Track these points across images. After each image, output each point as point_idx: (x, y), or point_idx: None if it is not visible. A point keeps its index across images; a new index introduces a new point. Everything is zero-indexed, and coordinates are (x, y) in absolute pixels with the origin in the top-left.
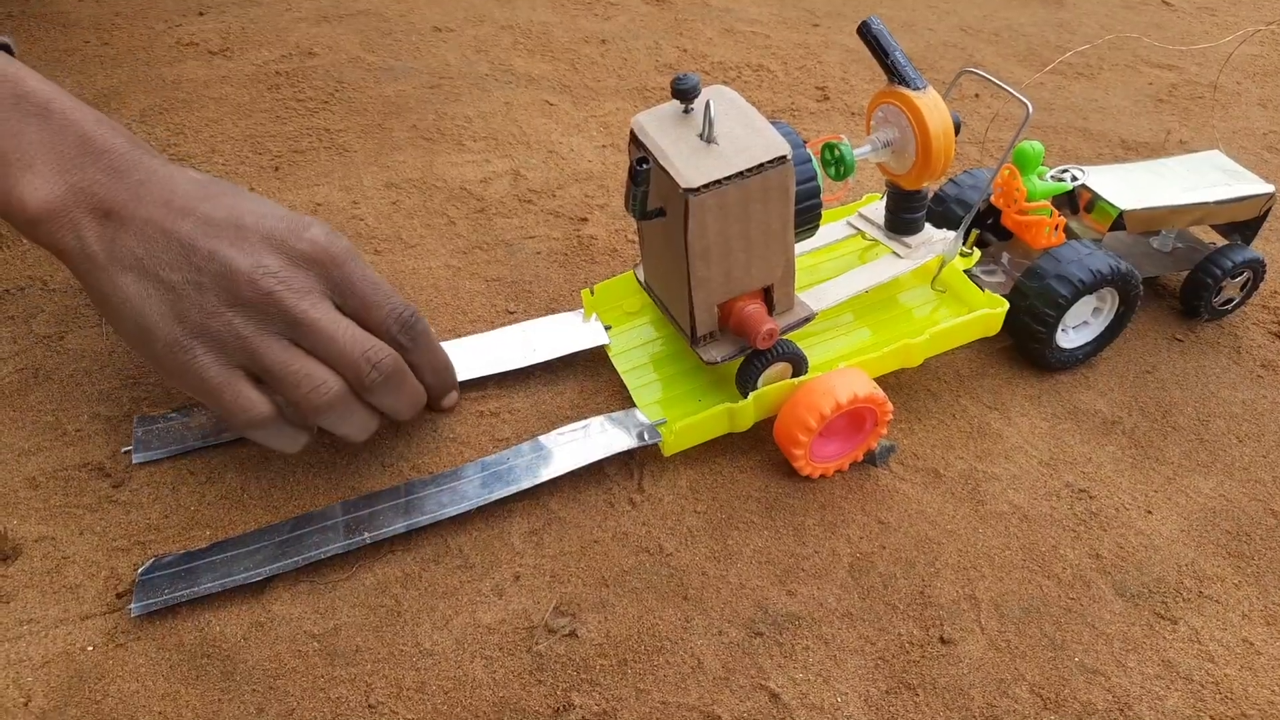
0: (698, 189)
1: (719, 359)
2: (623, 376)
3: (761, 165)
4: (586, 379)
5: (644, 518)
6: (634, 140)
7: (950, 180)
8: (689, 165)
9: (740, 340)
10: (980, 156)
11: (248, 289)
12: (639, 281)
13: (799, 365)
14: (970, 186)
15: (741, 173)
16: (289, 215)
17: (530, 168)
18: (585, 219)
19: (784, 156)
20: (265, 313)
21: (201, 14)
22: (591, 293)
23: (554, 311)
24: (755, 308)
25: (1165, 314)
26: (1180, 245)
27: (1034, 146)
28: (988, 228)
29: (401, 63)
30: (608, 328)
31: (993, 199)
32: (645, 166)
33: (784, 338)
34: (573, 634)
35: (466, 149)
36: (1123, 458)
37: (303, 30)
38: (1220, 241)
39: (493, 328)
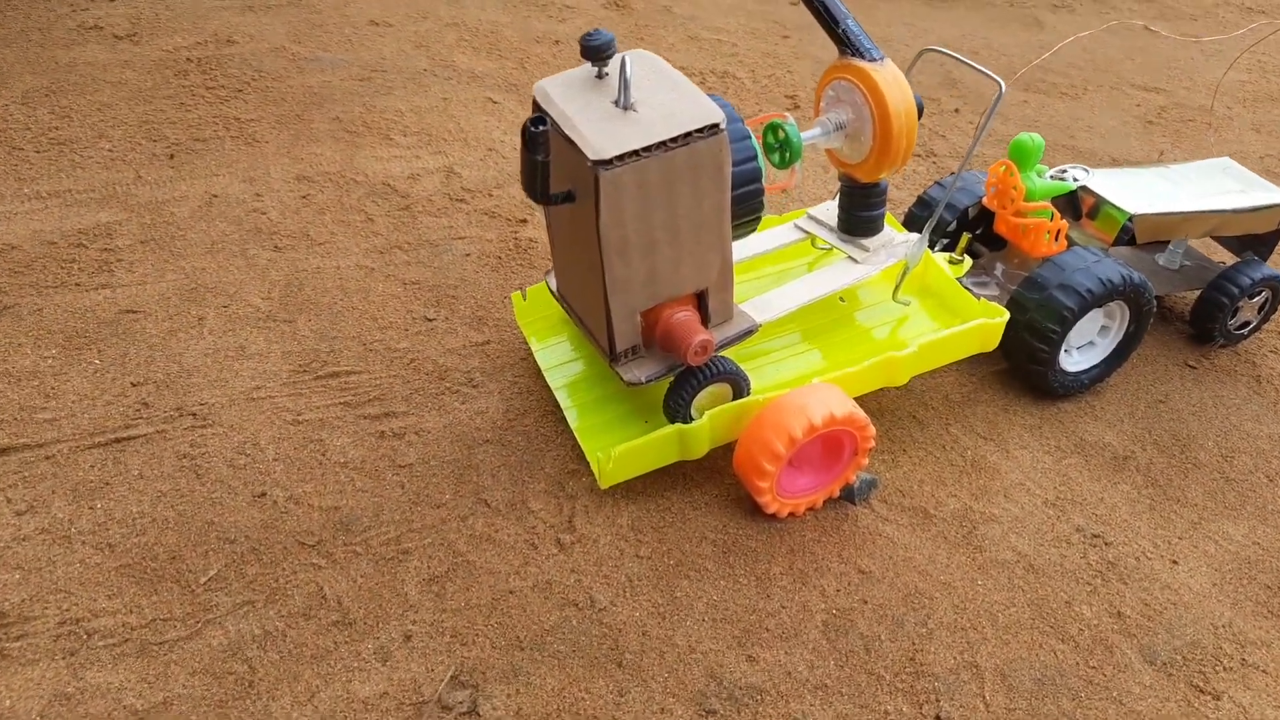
0: (610, 161)
1: (643, 379)
2: (556, 394)
3: (689, 135)
4: (514, 396)
5: (574, 563)
6: (536, 112)
7: (936, 183)
8: (600, 133)
9: (669, 357)
10: (979, 150)
11: None
12: (551, 292)
13: (740, 387)
14: (962, 189)
15: (664, 143)
16: None
17: (466, 165)
18: (525, 220)
19: (716, 125)
20: None
21: None
22: (524, 297)
23: (480, 319)
24: (686, 316)
25: (1174, 338)
26: (1188, 262)
27: (1033, 139)
28: (978, 236)
29: (331, 54)
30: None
31: (985, 200)
32: (541, 128)
33: (721, 354)
34: (473, 712)
35: (394, 143)
36: (1139, 498)
37: (224, 18)
38: (1230, 259)
39: (406, 335)
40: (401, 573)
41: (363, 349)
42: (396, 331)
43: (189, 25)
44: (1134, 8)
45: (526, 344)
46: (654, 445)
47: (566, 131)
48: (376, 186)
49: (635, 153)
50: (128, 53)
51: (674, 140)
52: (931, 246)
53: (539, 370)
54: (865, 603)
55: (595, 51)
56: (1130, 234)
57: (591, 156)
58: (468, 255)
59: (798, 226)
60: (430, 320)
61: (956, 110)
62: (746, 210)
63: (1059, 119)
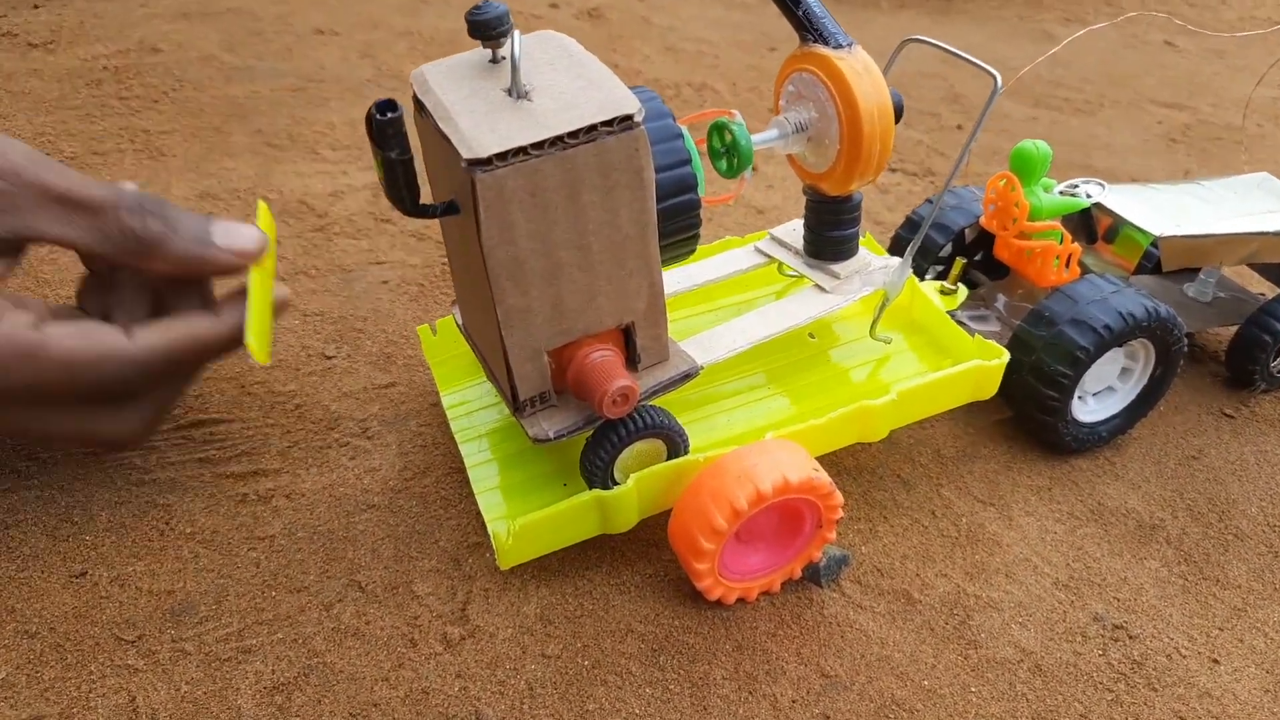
0: (488, 160)
1: (551, 434)
2: (462, 448)
3: (594, 129)
4: (415, 449)
5: (461, 665)
6: (418, 105)
7: (927, 200)
8: (479, 127)
9: (587, 407)
10: (985, 167)
11: None
12: (458, 327)
13: (675, 443)
14: (954, 208)
15: (561, 138)
16: None
17: None
18: None
19: (629, 117)
20: None
21: (36, 6)
22: (433, 331)
23: (389, 356)
24: (603, 357)
25: (1207, 382)
26: (1222, 294)
27: (1038, 147)
28: (976, 262)
29: (264, 63)
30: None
31: (984, 220)
32: (391, 115)
33: (650, 404)
34: None
35: (320, 158)
36: (1170, 578)
37: (152, 26)
38: (1271, 290)
39: (296, 375)
40: (237, 679)
41: (239, 392)
42: (285, 371)
43: (114, 33)
44: (1152, 20)
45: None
46: (567, 516)
47: (442, 126)
48: (291, 205)
49: (523, 150)
50: (40, 61)
51: (574, 135)
52: (922, 274)
53: (443, 420)
54: (827, 718)
55: (484, 27)
56: (1154, 260)
57: (466, 155)
58: (385, 282)
59: (759, 250)
60: (329, 358)
61: (959, 126)
62: (680, 226)
63: (1073, 136)
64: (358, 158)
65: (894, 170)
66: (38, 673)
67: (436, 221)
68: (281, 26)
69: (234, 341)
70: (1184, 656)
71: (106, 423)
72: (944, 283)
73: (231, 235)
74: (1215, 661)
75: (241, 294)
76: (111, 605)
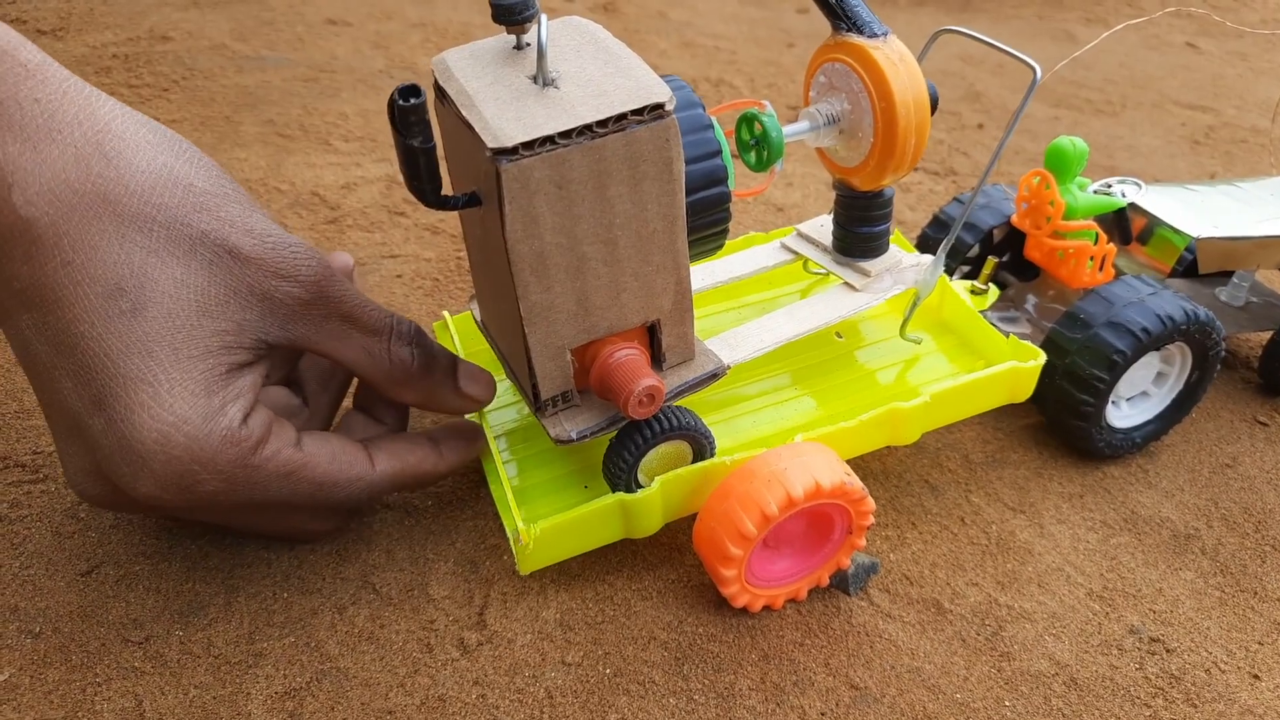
0: (514, 150)
1: (574, 435)
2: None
3: (624, 118)
4: None
5: (478, 672)
6: (439, 93)
7: (955, 199)
8: (504, 115)
9: (610, 407)
10: (1008, 167)
11: None
12: (476, 323)
13: (701, 445)
14: (983, 207)
15: (590, 127)
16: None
17: None
18: None
19: (660, 106)
20: None
21: None
22: (447, 327)
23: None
24: (628, 355)
25: (1240, 389)
26: (1255, 299)
27: (1075, 143)
28: (1005, 263)
29: (276, 53)
30: None
31: (1015, 219)
32: (414, 100)
33: (676, 404)
34: None
35: (333, 149)
36: (1206, 589)
37: (163, 14)
38: None
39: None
40: (248, 684)
41: None
42: None
43: (124, 21)
44: (1174, 23)
45: None
46: (589, 520)
47: (465, 114)
48: (303, 196)
49: (550, 139)
50: (48, 48)
51: (603, 124)
52: (950, 274)
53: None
54: None
55: (509, 12)
56: (1186, 263)
57: (490, 144)
58: (399, 277)
59: (785, 246)
60: None
61: (980, 125)
62: (709, 221)
63: (1095, 138)
64: (371, 149)
65: (915, 169)
66: (41, 674)
67: (451, 215)
68: (293, 16)
69: (446, 477)
70: (1223, 671)
71: (316, 524)
72: (975, 282)
73: (472, 381)
74: (1256, 677)
75: (457, 432)
76: (118, 605)
